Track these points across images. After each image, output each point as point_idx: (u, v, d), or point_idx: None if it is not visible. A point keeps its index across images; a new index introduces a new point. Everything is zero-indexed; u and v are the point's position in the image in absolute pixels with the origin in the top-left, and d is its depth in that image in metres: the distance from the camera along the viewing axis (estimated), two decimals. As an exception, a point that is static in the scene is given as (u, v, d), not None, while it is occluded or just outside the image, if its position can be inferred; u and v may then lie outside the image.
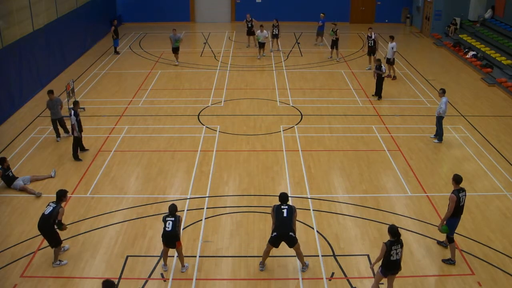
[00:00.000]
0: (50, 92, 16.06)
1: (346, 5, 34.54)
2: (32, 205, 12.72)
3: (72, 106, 15.04)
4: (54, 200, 10.54)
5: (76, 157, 14.94)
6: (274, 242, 10.09)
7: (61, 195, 10.53)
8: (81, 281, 10.09)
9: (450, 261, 10.51)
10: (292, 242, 10.07)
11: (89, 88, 21.23)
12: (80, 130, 14.93)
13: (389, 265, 9.11)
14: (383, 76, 19.49)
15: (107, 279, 8.24)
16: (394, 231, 9.01)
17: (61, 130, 16.38)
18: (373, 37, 23.06)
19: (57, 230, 10.42)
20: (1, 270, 10.36)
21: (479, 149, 15.73)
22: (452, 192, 10.29)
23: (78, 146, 15.06)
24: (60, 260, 10.56)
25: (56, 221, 10.34)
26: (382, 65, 19.45)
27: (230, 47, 28.15)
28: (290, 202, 12.42)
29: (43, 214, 10.33)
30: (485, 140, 16.36)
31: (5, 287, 9.91)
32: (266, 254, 10.33)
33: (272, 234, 10.05)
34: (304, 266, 10.34)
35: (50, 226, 10.29)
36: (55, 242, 10.42)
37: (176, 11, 34.37)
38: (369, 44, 23.29)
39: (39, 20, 21.39)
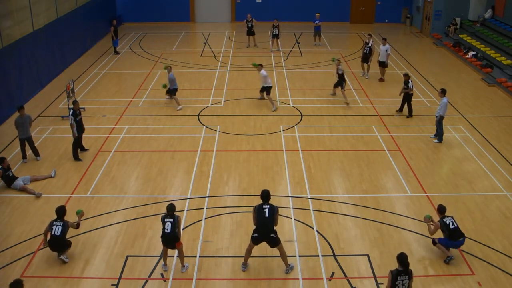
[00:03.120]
0: (21, 108, 14.74)
1: (346, 5, 34.54)
2: (32, 205, 12.72)
3: (71, 106, 15.06)
4: (56, 218, 10.55)
5: (76, 157, 14.94)
6: (255, 241, 10.12)
7: (64, 213, 10.64)
8: (81, 281, 10.09)
9: (448, 259, 10.48)
10: (274, 243, 10.07)
11: (89, 88, 21.22)
12: (81, 130, 14.93)
13: None
14: (410, 92, 17.71)
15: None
16: (401, 259, 8.33)
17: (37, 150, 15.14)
18: (369, 44, 21.84)
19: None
20: (1, 270, 10.37)
21: (479, 149, 15.73)
22: (438, 221, 10.64)
23: (77, 146, 15.06)
24: (67, 257, 10.64)
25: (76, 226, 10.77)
26: (410, 80, 17.73)
27: (230, 47, 28.15)
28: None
29: (54, 235, 10.40)
30: (485, 140, 16.36)
31: (5, 287, 9.90)
32: (248, 253, 10.30)
33: (253, 234, 10.06)
34: (288, 268, 10.27)
35: (64, 243, 10.57)
36: (68, 247, 10.69)
37: (176, 11, 34.40)
38: (364, 51, 22.12)
39: (39, 20, 21.39)
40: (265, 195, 10.10)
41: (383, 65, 21.82)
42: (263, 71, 18.69)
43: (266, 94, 18.80)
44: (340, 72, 19.21)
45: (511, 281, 10.06)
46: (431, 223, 10.82)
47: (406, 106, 18.11)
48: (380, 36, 30.53)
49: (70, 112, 14.68)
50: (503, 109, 19.14)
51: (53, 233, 10.43)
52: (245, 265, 10.38)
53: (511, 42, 24.10)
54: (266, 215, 9.89)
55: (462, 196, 13.14)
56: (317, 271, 10.33)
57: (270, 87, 18.78)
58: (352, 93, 20.59)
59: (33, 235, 11.47)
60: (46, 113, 18.62)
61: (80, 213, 10.87)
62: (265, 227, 9.93)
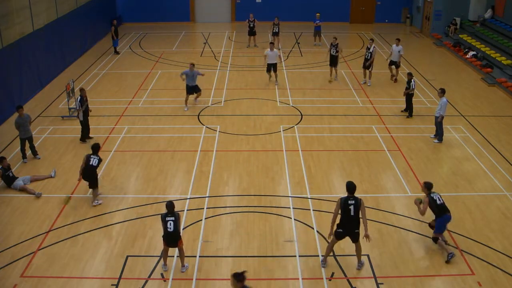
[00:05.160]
0: (20, 108, 14.93)
1: (346, 5, 34.54)
2: (32, 205, 12.72)
3: (79, 93, 16.16)
4: (91, 153, 12.69)
5: (83, 140, 16.06)
6: (339, 236, 10.12)
7: (99, 148, 12.92)
8: (81, 281, 10.09)
9: (450, 256, 10.52)
10: (357, 238, 10.10)
11: (89, 88, 21.19)
12: (87, 114, 16.03)
13: None
14: (410, 92, 17.68)
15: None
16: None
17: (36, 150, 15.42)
18: (371, 49, 21.02)
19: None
20: (1, 270, 10.36)
21: (479, 149, 15.73)
22: (426, 196, 10.86)
23: (86, 129, 16.11)
24: (98, 200, 12.70)
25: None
26: (413, 80, 17.63)
27: (230, 47, 28.16)
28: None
29: (91, 165, 12.60)
30: (485, 140, 16.36)
31: (5, 287, 9.91)
32: (330, 249, 10.33)
33: (337, 229, 10.04)
34: (359, 264, 10.35)
35: (95, 173, 12.76)
36: (95, 184, 12.73)
37: (176, 11, 34.40)
38: (366, 57, 21.32)
39: (39, 20, 21.39)
40: (351, 187, 9.95)
41: (395, 65, 21.63)
42: (276, 51, 21.15)
43: (274, 71, 21.32)
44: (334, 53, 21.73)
45: (511, 281, 10.07)
46: (420, 204, 10.97)
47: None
48: (381, 36, 30.63)
49: (78, 98, 15.88)
50: (503, 109, 19.14)
51: (90, 163, 12.57)
52: (325, 262, 10.40)
53: (511, 42, 24.10)
54: (352, 213, 9.83)
55: (462, 196, 13.15)
56: (317, 271, 10.33)
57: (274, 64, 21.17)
58: (352, 93, 20.60)
59: (33, 235, 11.47)
60: (46, 113, 18.62)
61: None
62: (350, 225, 9.93)
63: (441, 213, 10.77)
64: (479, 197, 13.10)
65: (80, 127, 16.10)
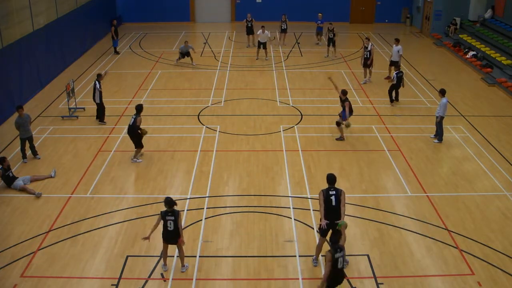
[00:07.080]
0: (20, 108, 14.83)
1: (346, 5, 34.55)
2: (32, 205, 12.72)
3: (96, 78, 17.40)
4: (135, 112, 14.43)
5: (102, 120, 17.46)
6: (323, 231, 10.11)
7: (141, 108, 14.56)
8: (81, 281, 10.09)
9: (340, 139, 15.71)
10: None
11: (89, 88, 21.19)
12: (100, 97, 17.27)
13: None
14: (393, 82, 18.84)
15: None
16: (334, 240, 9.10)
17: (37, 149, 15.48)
18: (369, 48, 21.16)
19: (141, 135, 14.66)
20: (1, 270, 10.36)
21: (479, 149, 15.73)
22: (347, 101, 15.63)
23: (103, 111, 17.46)
24: (137, 158, 14.67)
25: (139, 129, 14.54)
26: (395, 73, 18.76)
27: (230, 47, 28.16)
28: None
29: (129, 125, 14.48)
30: (485, 140, 16.36)
31: (5, 287, 9.91)
32: (319, 248, 10.35)
33: (320, 221, 10.06)
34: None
35: (135, 131, 14.44)
36: (138, 144, 14.60)
37: (176, 11, 34.41)
38: (365, 56, 21.44)
39: (39, 20, 21.39)
40: (332, 179, 10.09)
41: (393, 64, 21.64)
42: (267, 32, 25.02)
43: (264, 48, 25.01)
44: (331, 36, 25.22)
45: (511, 281, 10.07)
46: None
47: (399, 97, 19.23)
48: (381, 36, 30.65)
49: (98, 84, 17.12)
50: (503, 109, 19.14)
51: (129, 123, 14.49)
52: (316, 260, 10.45)
53: (511, 42, 24.10)
54: (333, 203, 9.94)
55: (462, 196, 13.15)
56: (317, 271, 10.33)
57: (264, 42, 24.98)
58: (352, 93, 20.58)
59: (33, 235, 11.47)
60: (46, 113, 18.63)
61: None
62: (332, 215, 9.98)
63: (350, 111, 15.69)
64: (479, 197, 13.11)
65: (97, 109, 17.49)
